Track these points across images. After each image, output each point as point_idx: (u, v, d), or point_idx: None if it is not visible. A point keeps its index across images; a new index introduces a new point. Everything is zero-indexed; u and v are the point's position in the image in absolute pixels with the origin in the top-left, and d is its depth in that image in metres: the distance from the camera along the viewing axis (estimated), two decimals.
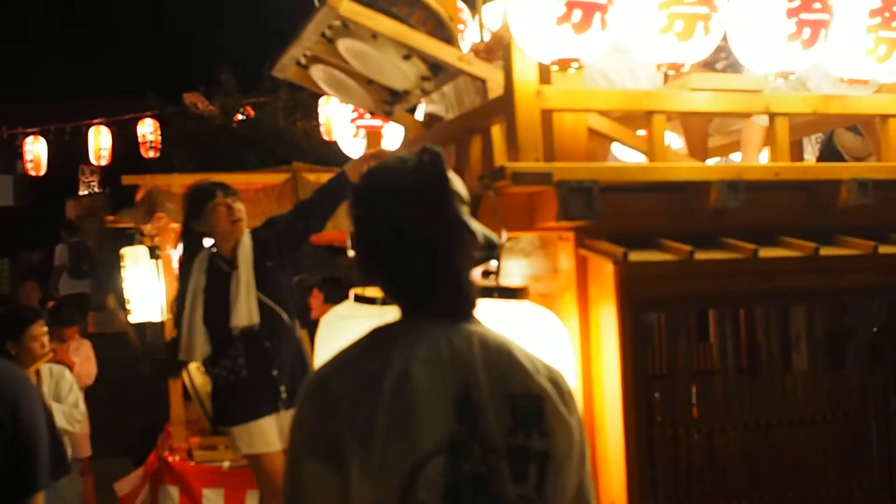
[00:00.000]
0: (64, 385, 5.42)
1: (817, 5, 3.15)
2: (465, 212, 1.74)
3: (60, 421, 5.12)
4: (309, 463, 1.64)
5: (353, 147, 5.34)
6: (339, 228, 5.14)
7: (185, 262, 4.43)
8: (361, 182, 1.80)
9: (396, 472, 1.60)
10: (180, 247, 5.90)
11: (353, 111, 5.02)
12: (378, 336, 1.73)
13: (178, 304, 4.39)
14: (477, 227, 1.76)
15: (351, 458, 1.61)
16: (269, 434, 4.28)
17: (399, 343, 1.67)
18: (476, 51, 4.10)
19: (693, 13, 3.04)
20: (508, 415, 1.66)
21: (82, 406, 5.58)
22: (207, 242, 4.50)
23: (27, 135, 13.62)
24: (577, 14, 2.92)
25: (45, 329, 5.13)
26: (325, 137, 9.88)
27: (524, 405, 1.68)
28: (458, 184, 1.75)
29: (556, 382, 1.74)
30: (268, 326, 4.31)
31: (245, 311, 4.27)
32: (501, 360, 1.69)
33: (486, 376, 1.66)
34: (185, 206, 4.46)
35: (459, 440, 1.62)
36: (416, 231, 1.69)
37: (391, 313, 1.76)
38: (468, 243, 1.74)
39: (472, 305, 1.75)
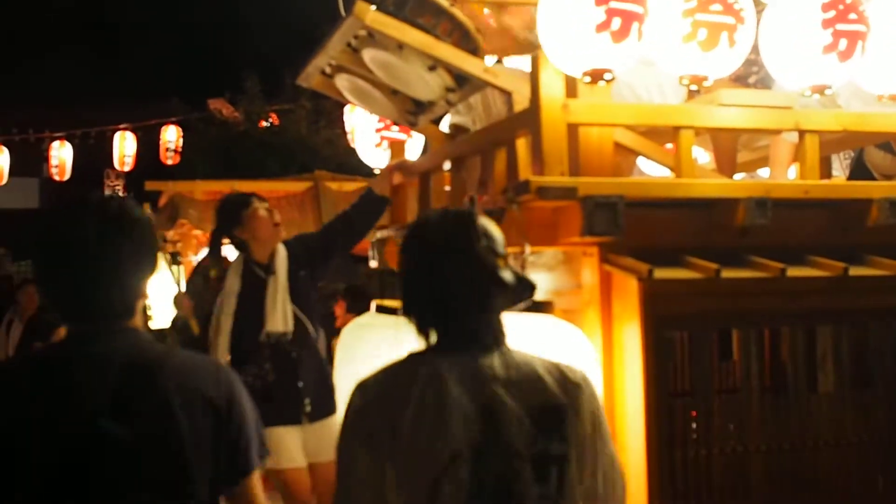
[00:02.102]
0: None
1: (853, 16, 3.10)
2: (497, 266, 1.96)
3: None
4: (358, 449, 1.87)
5: (375, 157, 5.31)
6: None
7: (201, 269, 4.42)
8: (407, 231, 2.07)
9: (426, 471, 1.81)
10: (201, 253, 5.92)
11: (379, 122, 5.00)
12: (415, 356, 1.95)
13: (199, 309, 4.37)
14: (509, 275, 1.97)
15: (388, 454, 1.83)
16: (293, 448, 4.22)
17: (433, 362, 1.90)
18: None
19: (717, 22, 3.00)
20: (531, 425, 1.86)
21: None
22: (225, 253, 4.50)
23: (53, 139, 13.71)
24: (616, 22, 2.88)
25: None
26: (352, 146, 9.90)
27: (544, 416, 1.88)
28: (492, 239, 1.98)
29: (575, 389, 1.94)
30: (296, 337, 4.27)
31: (281, 316, 4.25)
32: (525, 376, 1.90)
33: (509, 392, 1.87)
34: (221, 214, 4.43)
35: (484, 447, 1.83)
36: (444, 283, 1.93)
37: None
38: (496, 292, 1.95)
39: (501, 339, 1.96)
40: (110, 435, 1.76)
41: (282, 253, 4.35)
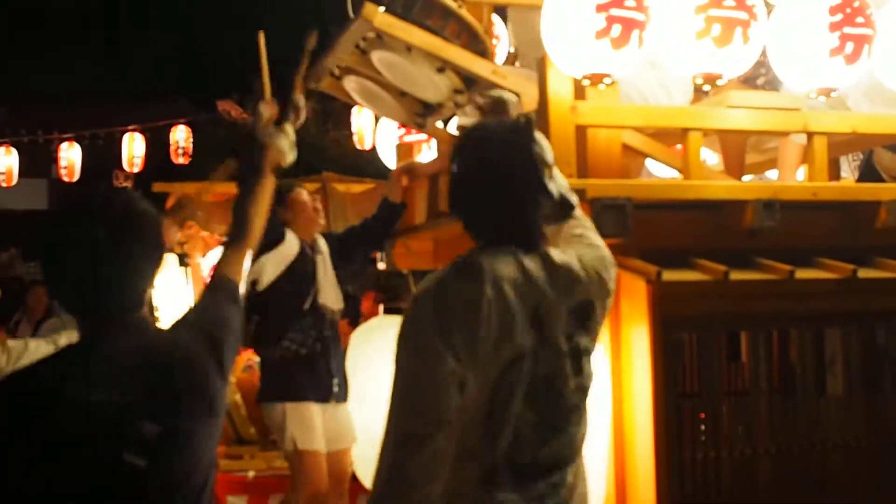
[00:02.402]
0: None
1: (860, 19, 3.10)
2: (544, 173, 2.06)
3: None
4: (431, 336, 1.91)
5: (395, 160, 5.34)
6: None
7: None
8: (467, 131, 2.18)
9: (492, 371, 1.92)
10: (209, 254, 5.95)
11: (400, 126, 5.02)
12: (470, 261, 2.01)
13: None
14: (554, 187, 2.08)
15: (461, 354, 1.89)
16: (316, 425, 4.28)
17: (488, 266, 1.97)
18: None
19: (732, 17, 2.99)
20: (569, 322, 2.00)
21: None
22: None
23: (62, 140, 13.73)
24: (616, 29, 2.89)
25: None
26: (358, 146, 9.88)
27: (579, 312, 2.02)
28: (544, 148, 2.08)
29: (604, 288, 2.10)
30: (328, 320, 4.40)
31: (333, 292, 4.43)
32: (563, 276, 2.02)
33: (553, 292, 1.99)
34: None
35: (537, 348, 1.95)
36: (501, 178, 2.03)
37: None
38: (540, 199, 2.05)
39: (541, 239, 2.06)
40: (143, 431, 1.76)
41: (321, 241, 4.52)
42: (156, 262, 1.92)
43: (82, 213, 1.88)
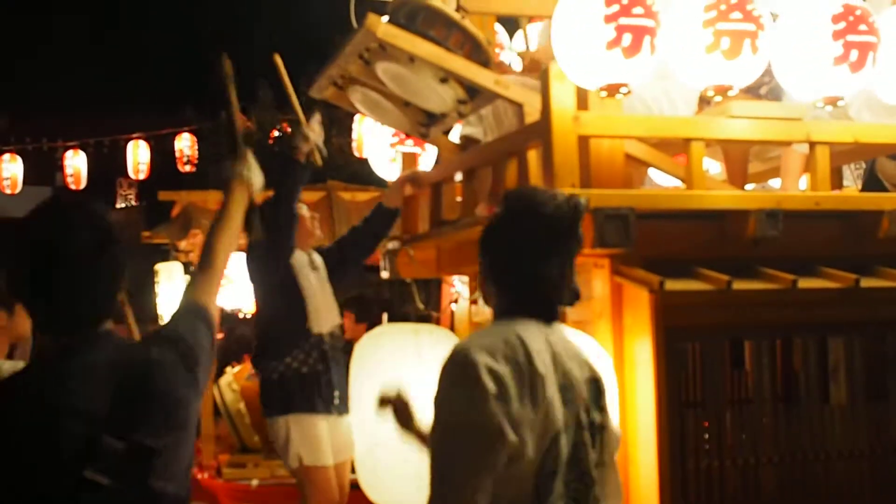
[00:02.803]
0: None
1: (864, 27, 3.10)
2: (575, 256, 2.13)
3: None
4: (475, 445, 1.91)
5: (388, 170, 5.33)
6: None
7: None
8: (516, 192, 2.23)
9: (541, 444, 1.96)
10: None
11: (393, 135, 5.03)
12: (507, 329, 2.04)
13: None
14: (575, 273, 2.14)
15: (522, 431, 1.92)
16: (323, 439, 4.28)
17: (526, 336, 2.01)
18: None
19: (740, 30, 2.99)
20: (588, 396, 2.07)
21: None
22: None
23: (67, 148, 13.76)
24: (627, 38, 2.89)
25: None
26: (357, 154, 9.90)
27: (594, 387, 2.09)
28: (581, 234, 2.14)
29: (604, 364, 2.18)
30: (329, 335, 4.42)
31: (331, 308, 4.43)
32: (576, 352, 2.09)
33: (574, 366, 2.06)
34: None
35: (570, 421, 2.01)
36: (542, 247, 2.08)
37: (426, 331, 2.15)
38: (571, 278, 2.12)
39: (559, 314, 2.15)
40: (108, 447, 1.75)
41: (317, 255, 4.53)
42: (123, 270, 1.90)
43: (47, 225, 1.85)
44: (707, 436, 3.08)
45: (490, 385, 1.91)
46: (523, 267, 2.09)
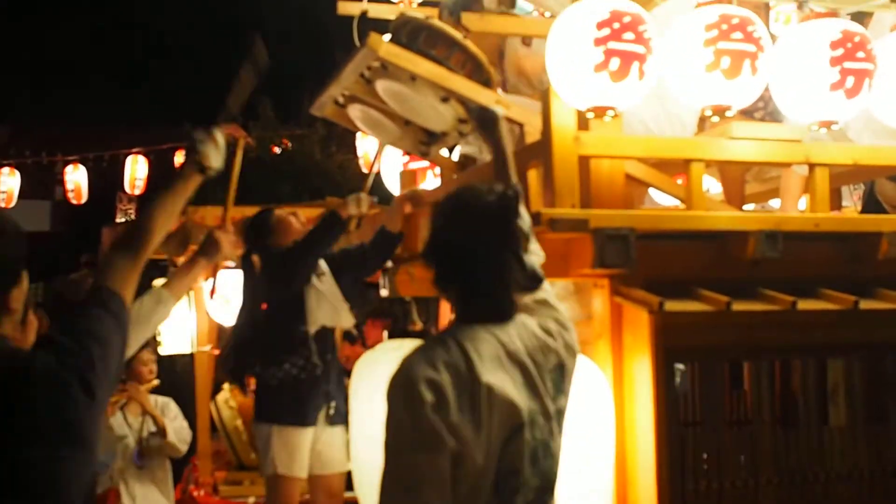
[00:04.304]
0: (169, 413, 5.46)
1: (861, 54, 3.12)
2: (521, 246, 2.08)
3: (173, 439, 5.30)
4: (415, 455, 1.89)
5: (399, 187, 5.35)
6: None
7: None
8: (450, 195, 2.16)
9: (497, 442, 1.94)
10: (211, 280, 5.95)
11: (404, 154, 5.04)
12: (449, 338, 2.01)
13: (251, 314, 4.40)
14: (528, 260, 2.09)
15: (463, 437, 1.89)
16: (302, 451, 4.28)
17: (470, 342, 1.98)
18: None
19: (740, 50, 3.01)
20: (552, 385, 2.06)
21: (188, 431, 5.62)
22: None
23: (67, 162, 13.76)
24: (615, 62, 2.92)
25: (154, 357, 5.44)
26: (365, 170, 9.91)
27: (556, 375, 2.08)
28: (524, 221, 2.10)
29: (571, 348, 2.16)
30: (330, 342, 4.40)
31: (337, 310, 4.39)
32: (535, 344, 2.07)
33: (532, 361, 2.04)
34: (253, 233, 4.50)
35: (533, 414, 2.00)
36: (482, 246, 2.05)
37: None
38: (516, 270, 2.07)
39: (512, 312, 2.09)
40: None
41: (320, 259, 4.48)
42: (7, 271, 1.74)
43: None
44: (706, 456, 3.08)
45: (427, 395, 1.89)
46: (467, 270, 2.06)
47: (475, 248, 2.06)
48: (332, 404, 4.33)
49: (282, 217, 4.50)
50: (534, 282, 2.11)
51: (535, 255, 2.27)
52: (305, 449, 4.28)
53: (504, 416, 1.95)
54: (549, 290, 2.24)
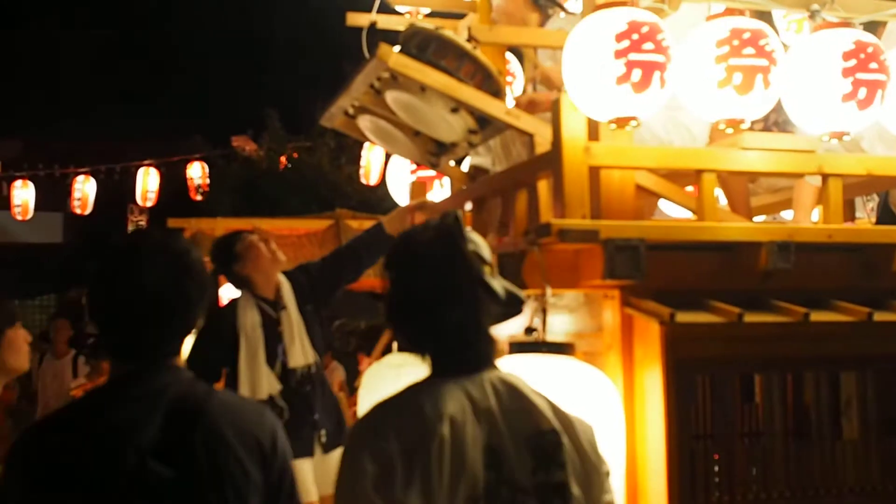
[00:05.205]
0: None
1: (874, 65, 3.10)
2: (484, 272, 1.90)
3: None
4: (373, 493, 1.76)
5: (406, 198, 5.34)
6: (379, 275, 5.13)
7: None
8: (391, 248, 2.01)
9: None
10: (222, 290, 5.93)
11: (412, 163, 5.03)
12: (411, 396, 1.87)
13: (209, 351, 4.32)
14: (498, 285, 1.91)
15: (409, 493, 1.74)
16: (307, 480, 4.24)
17: (430, 402, 1.82)
18: (518, 103, 4.10)
19: (752, 65, 2.99)
20: (529, 455, 1.83)
21: None
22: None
23: (79, 174, 13.83)
24: (636, 74, 2.90)
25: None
26: (364, 181, 9.92)
27: (541, 444, 1.85)
28: (479, 245, 1.93)
29: (567, 416, 1.91)
30: (299, 376, 4.31)
31: (300, 350, 4.28)
32: (515, 404, 1.86)
33: (505, 424, 1.83)
34: (216, 255, 4.44)
35: (492, 485, 1.79)
36: (433, 293, 1.87)
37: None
38: (484, 302, 1.89)
39: (488, 357, 1.92)
40: (159, 474, 1.75)
41: (286, 285, 4.37)
42: (201, 307, 1.93)
43: (134, 254, 1.89)
44: (717, 469, 3.05)
45: (370, 468, 1.77)
46: (422, 322, 1.89)
47: (434, 296, 1.87)
48: (322, 432, 4.27)
49: (251, 243, 4.39)
50: (513, 306, 1.95)
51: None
52: (306, 478, 4.22)
53: (460, 486, 1.77)
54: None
